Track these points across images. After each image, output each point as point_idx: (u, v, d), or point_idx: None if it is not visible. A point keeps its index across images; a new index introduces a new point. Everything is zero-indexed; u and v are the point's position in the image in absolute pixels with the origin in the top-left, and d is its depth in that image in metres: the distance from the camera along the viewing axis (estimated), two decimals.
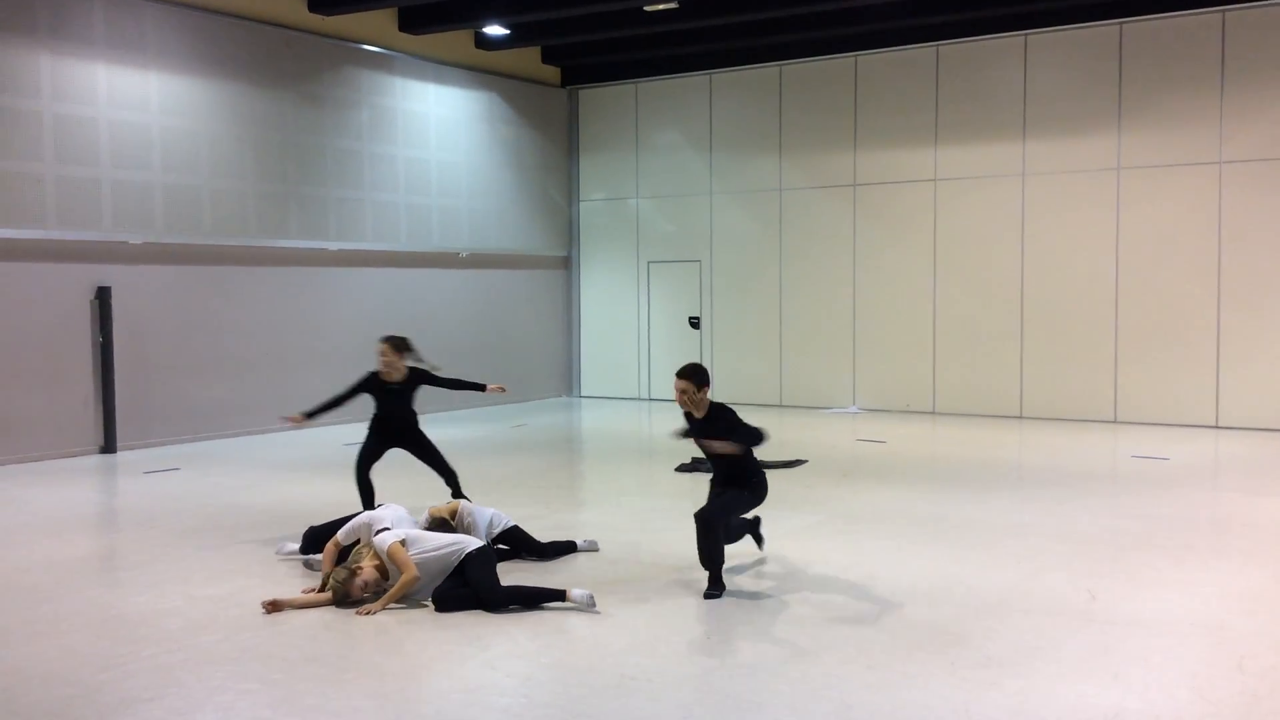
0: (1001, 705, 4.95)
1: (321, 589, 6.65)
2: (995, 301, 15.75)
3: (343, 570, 6.59)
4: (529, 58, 18.10)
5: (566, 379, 19.31)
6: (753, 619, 6.30)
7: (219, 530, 8.68)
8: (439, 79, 16.61)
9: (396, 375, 8.62)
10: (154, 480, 11.13)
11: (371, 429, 8.76)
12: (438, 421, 15.29)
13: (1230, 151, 14.23)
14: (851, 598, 6.67)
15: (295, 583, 7.04)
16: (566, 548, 7.78)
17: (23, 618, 6.39)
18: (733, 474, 7.00)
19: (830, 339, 17.01)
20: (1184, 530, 8.47)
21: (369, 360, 9.01)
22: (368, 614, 6.34)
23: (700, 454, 7.64)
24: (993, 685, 5.19)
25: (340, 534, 7.04)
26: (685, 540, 7.28)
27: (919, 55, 16.10)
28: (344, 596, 6.52)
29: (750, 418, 7.00)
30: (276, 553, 7.78)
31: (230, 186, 13.88)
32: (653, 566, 7.37)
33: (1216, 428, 14.31)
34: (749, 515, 7.33)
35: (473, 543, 6.75)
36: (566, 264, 19.22)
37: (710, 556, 6.74)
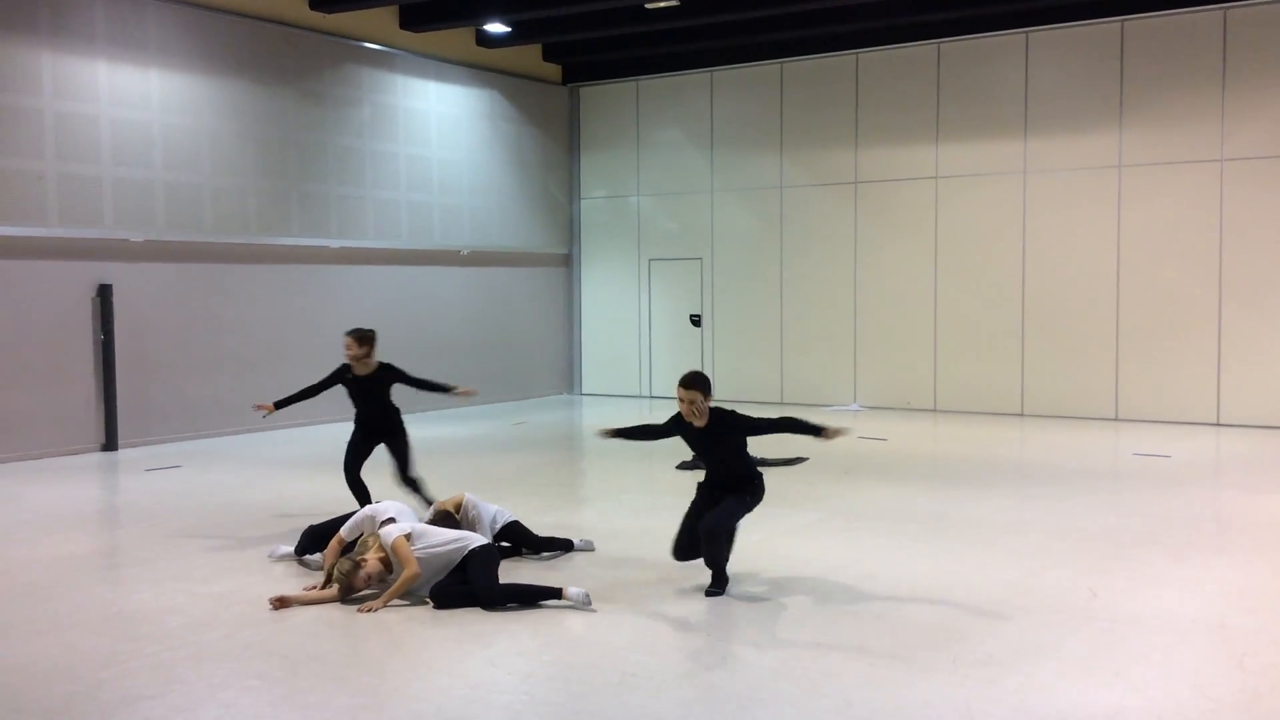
0: (1002, 703, 4.95)
1: (325, 583, 6.64)
2: (996, 299, 15.74)
3: (347, 561, 6.60)
4: (530, 55, 18.09)
5: (567, 376, 19.31)
6: (754, 616, 6.30)
7: (220, 527, 8.69)
8: (440, 76, 16.61)
9: (364, 370, 8.69)
10: (155, 478, 11.14)
11: (354, 427, 8.85)
12: (438, 420, 15.32)
13: (1231, 149, 14.22)
14: (852, 595, 6.67)
15: (295, 581, 7.04)
16: (562, 544, 7.79)
17: (24, 615, 6.39)
18: (731, 477, 6.82)
19: (831, 336, 17.00)
20: (1185, 528, 8.47)
21: None
22: (369, 611, 6.34)
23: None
24: (993, 683, 5.19)
25: (344, 530, 7.04)
26: None
27: (920, 53, 16.08)
28: (348, 588, 6.52)
29: (751, 415, 6.94)
30: (269, 556, 7.67)
31: (231, 184, 13.88)
32: (654, 564, 7.36)
33: (1218, 425, 14.30)
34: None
35: (476, 540, 6.75)
36: (567, 261, 19.21)
37: (715, 560, 6.73)
